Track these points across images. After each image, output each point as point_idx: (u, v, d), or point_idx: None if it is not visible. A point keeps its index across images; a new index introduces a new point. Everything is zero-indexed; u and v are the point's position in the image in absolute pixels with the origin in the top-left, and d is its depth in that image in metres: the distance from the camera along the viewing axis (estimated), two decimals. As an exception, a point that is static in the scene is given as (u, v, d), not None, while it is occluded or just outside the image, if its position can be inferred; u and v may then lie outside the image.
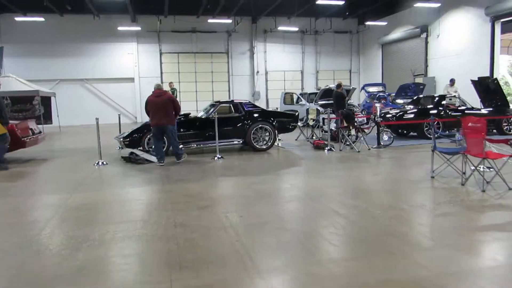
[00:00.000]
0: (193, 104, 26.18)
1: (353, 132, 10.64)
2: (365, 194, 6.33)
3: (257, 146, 11.18)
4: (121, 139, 10.70)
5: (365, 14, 25.88)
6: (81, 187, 7.28)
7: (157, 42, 26.15)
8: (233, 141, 11.15)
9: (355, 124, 10.95)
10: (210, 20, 24.30)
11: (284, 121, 11.54)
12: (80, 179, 8.01)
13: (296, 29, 26.11)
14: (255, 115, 11.31)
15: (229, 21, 24.74)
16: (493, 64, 18.64)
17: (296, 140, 13.36)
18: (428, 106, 12.87)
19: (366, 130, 11.04)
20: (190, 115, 11.70)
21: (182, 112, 11.50)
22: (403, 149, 11.01)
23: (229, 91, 27.39)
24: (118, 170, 9.11)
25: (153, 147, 10.02)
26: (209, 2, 22.49)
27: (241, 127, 11.14)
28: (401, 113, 12.77)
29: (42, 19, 22.62)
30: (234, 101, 11.97)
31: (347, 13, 26.18)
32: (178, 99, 15.50)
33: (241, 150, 11.54)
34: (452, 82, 15.89)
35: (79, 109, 24.51)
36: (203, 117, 11.26)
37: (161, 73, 26.51)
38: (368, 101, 20.97)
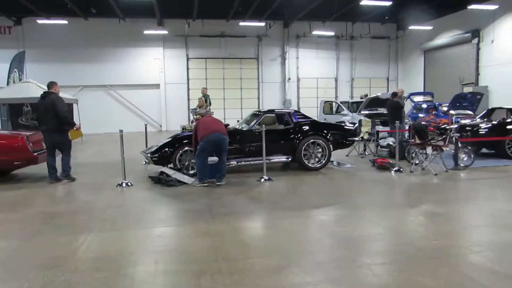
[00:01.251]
0: (221, 112, 24.43)
1: (428, 150, 8.61)
2: None
3: (309, 164, 9.26)
4: (149, 155, 8.92)
5: (406, 19, 23.77)
6: (100, 224, 5.47)
7: (184, 47, 24.56)
8: (280, 158, 9.26)
9: (431, 140, 8.90)
10: (241, 23, 22.56)
11: (340, 135, 9.61)
12: (100, 209, 6.22)
13: (332, 33, 24.17)
14: (306, 127, 9.41)
15: (262, 24, 23.00)
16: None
17: (347, 156, 11.38)
18: (509, 120, 10.71)
19: (444, 148, 8.98)
20: (228, 127, 9.89)
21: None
22: (488, 171, 8.94)
23: (258, 98, 25.59)
24: (146, 195, 7.30)
25: (194, 162, 8.24)
26: (240, 5, 20.80)
27: (290, 141, 9.25)
28: (474, 128, 10.66)
29: (65, 22, 21.27)
30: (281, 110, 10.12)
31: (386, 17, 24.14)
32: (211, 106, 13.73)
33: (289, 168, 9.63)
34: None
35: (102, 117, 23.02)
36: (245, 129, 9.41)
37: (188, 79, 24.88)
38: (414, 112, 18.83)
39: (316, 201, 6.70)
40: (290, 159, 9.29)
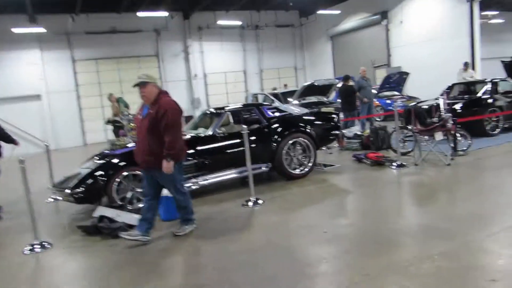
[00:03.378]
0: (122, 120, 20.75)
1: (438, 136, 6.80)
2: None
3: (293, 172, 6.89)
4: (67, 191, 5.73)
5: (312, 5, 22.51)
6: None
7: (68, 47, 20.22)
8: (258, 169, 6.71)
9: (441, 124, 7.07)
10: (139, 14, 19.07)
11: (324, 128, 7.38)
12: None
13: (238, 23, 21.93)
14: (283, 123, 7.02)
15: (161, 15, 19.74)
16: (474, 48, 16.27)
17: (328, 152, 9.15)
18: (481, 95, 9.47)
19: (454, 132, 7.26)
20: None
21: None
22: (496, 153, 7.50)
23: (164, 100, 22.31)
24: (88, 265, 4.29)
25: (140, 191, 5.46)
26: (133, -6, 17.52)
27: (267, 144, 6.79)
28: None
29: None
30: (248, 104, 7.62)
31: (291, 4, 22.66)
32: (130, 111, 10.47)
33: (267, 179, 7.11)
34: (466, 66, 13.04)
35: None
36: (203, 135, 6.67)
37: (77, 85, 20.63)
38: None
39: (351, 240, 4.37)
40: (269, 167, 6.82)
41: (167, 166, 4.41)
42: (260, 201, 5.67)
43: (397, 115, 6.97)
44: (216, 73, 23.35)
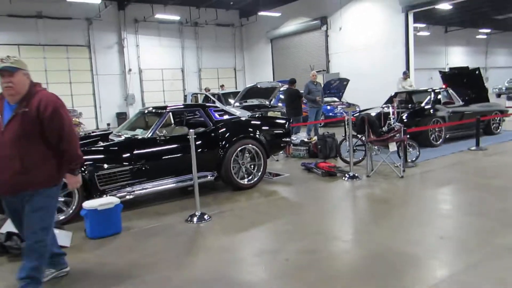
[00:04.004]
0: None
1: (392, 147, 6.53)
2: None
3: (241, 182, 6.25)
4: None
5: (252, 5, 22.02)
6: None
7: (-15, 29, 18.03)
8: (201, 177, 5.97)
9: (395, 134, 6.80)
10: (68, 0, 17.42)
11: (273, 134, 6.81)
12: None
13: (176, 17, 20.83)
14: (231, 127, 6.35)
15: (92, 2, 18.14)
16: (409, 56, 16.75)
17: (275, 159, 8.62)
18: (424, 105, 9.45)
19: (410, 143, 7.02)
20: (112, 135, 6.22)
21: (97, 131, 6.13)
22: (443, 164, 7.40)
23: (94, 94, 20.66)
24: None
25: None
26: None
27: (212, 151, 6.08)
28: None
29: None
30: (191, 105, 6.85)
31: (232, 3, 22.01)
32: None
33: (212, 189, 6.38)
34: (406, 74, 13.18)
35: None
36: (141, 137, 5.82)
37: (-6, 72, 18.38)
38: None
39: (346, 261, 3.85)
40: (215, 176, 6.12)
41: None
42: (206, 217, 4.96)
43: (351, 124, 6.59)
44: (152, 69, 22.09)
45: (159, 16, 20.23)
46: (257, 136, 6.41)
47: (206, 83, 23.03)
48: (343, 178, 6.67)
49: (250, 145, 6.32)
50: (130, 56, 21.25)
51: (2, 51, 18.39)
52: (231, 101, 14.04)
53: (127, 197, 5.37)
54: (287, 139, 7.03)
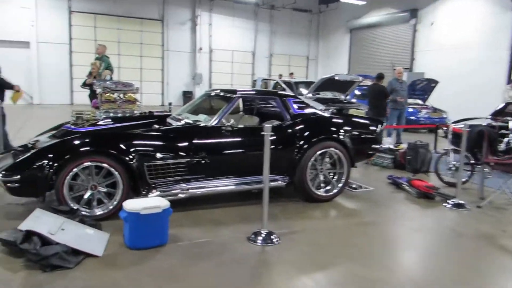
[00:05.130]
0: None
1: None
2: None
3: (316, 192, 5.04)
4: (0, 175, 3.86)
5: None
6: None
7: (66, -5, 18.02)
8: (270, 181, 4.84)
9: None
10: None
11: (362, 138, 5.49)
12: None
13: (254, -2, 19.71)
14: (313, 125, 5.14)
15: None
16: (513, 60, 14.42)
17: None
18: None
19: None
20: (170, 118, 5.26)
21: (155, 111, 5.21)
22: None
23: (163, 70, 20.23)
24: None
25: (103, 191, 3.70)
26: None
27: (286, 151, 4.91)
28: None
29: None
30: (267, 93, 5.75)
31: (313, -13, 20.57)
32: (115, 74, 8.21)
33: (278, 195, 5.20)
34: (514, 82, 11.22)
35: None
36: (203, 124, 4.76)
37: (70, 38, 18.39)
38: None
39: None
40: (286, 182, 4.95)
41: None
42: (273, 238, 3.83)
43: (465, 137, 5.09)
44: (223, 50, 21.26)
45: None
46: (342, 138, 5.14)
47: (276, 70, 21.87)
48: (445, 204, 5.23)
49: (332, 149, 5.07)
50: (202, 35, 20.54)
51: (80, 19, 18.38)
52: (303, 91, 12.78)
53: (180, 195, 4.37)
54: (377, 145, 5.68)
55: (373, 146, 5.59)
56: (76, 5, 18.25)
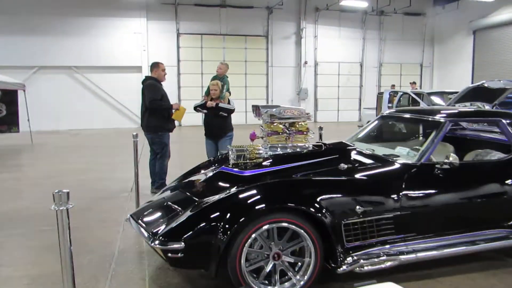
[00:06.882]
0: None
1: None
2: None
3: None
4: (157, 242, 2.85)
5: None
6: None
7: (174, 18, 18.08)
8: (496, 238, 3.34)
9: None
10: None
11: None
12: None
13: (365, 4, 18.03)
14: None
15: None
16: None
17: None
18: None
19: None
20: (355, 152, 3.94)
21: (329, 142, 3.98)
22: None
23: (267, 87, 19.48)
24: None
25: None
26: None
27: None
28: None
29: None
30: (485, 113, 4.32)
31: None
32: (231, 97, 6.92)
33: (491, 259, 3.67)
34: None
35: (63, 108, 16.53)
36: (410, 162, 3.40)
37: (178, 61, 18.46)
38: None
39: None
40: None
41: None
42: None
43: None
44: (329, 62, 19.96)
45: (344, 3, 17.80)
46: None
47: (387, 80, 19.96)
48: None
49: None
50: (307, 48, 19.45)
51: (186, 41, 18.37)
52: (439, 101, 10.94)
53: (387, 263, 3.06)
54: None
55: None
56: (183, 27, 18.28)
